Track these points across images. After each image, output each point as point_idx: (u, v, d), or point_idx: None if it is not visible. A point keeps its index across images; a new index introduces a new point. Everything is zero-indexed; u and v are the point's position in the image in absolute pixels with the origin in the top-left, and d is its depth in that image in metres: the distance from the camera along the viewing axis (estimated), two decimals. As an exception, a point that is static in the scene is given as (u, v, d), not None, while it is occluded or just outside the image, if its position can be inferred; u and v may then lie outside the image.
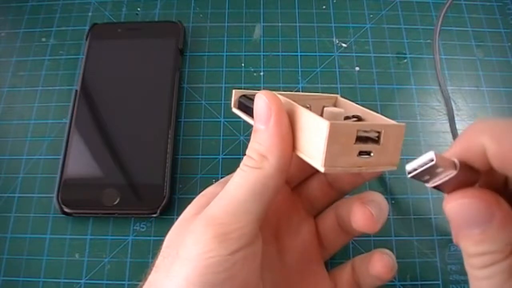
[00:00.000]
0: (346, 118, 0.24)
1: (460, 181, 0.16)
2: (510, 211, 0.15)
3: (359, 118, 0.23)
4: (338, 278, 0.26)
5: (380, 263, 0.24)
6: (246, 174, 0.20)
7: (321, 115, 0.24)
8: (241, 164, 0.21)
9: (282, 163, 0.20)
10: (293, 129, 0.20)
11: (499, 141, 0.15)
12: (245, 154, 0.21)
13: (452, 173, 0.16)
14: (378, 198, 0.23)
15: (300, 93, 0.25)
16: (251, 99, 0.23)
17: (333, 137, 0.18)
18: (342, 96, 0.25)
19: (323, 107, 0.24)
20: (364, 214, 0.22)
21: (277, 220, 0.26)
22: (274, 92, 0.21)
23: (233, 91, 0.24)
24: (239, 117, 0.24)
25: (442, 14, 0.36)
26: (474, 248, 0.16)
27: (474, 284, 0.16)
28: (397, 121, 0.21)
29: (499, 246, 0.15)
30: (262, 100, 0.20)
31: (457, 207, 0.16)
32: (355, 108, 0.24)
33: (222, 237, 0.19)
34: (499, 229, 0.15)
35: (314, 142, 0.18)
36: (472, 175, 0.16)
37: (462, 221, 0.16)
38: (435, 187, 0.17)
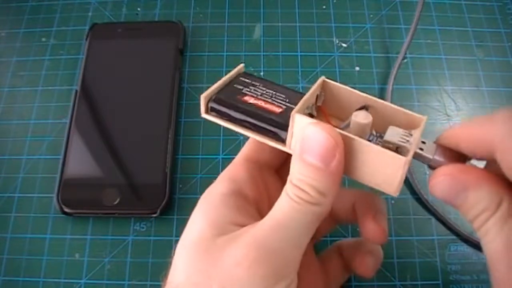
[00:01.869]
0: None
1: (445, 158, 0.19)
2: (481, 172, 0.18)
3: (366, 107, 0.22)
4: (328, 262, 0.26)
5: (362, 266, 0.25)
6: (302, 209, 0.19)
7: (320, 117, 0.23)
8: (293, 194, 0.19)
9: (334, 198, 0.19)
10: (347, 158, 0.20)
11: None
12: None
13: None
14: (382, 204, 0.24)
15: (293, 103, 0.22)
16: (232, 105, 0.21)
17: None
18: (327, 78, 0.23)
19: (316, 96, 0.22)
20: (378, 230, 0.23)
21: (259, 204, 0.25)
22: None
23: (201, 96, 0.21)
24: (213, 123, 0.21)
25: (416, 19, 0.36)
26: (469, 215, 0.18)
27: (482, 244, 0.17)
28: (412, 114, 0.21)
29: (485, 204, 0.17)
30: (325, 138, 0.18)
31: (435, 187, 0.18)
32: (352, 94, 0.22)
33: (277, 277, 0.18)
34: (476, 192, 0.17)
35: (384, 173, 0.19)
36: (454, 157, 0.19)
37: (445, 197, 0.18)
38: (429, 166, 0.20)
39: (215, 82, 0.22)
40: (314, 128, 0.19)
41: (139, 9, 0.40)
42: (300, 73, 0.37)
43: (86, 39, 0.38)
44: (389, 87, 0.35)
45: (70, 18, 0.40)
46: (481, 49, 0.38)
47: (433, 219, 0.32)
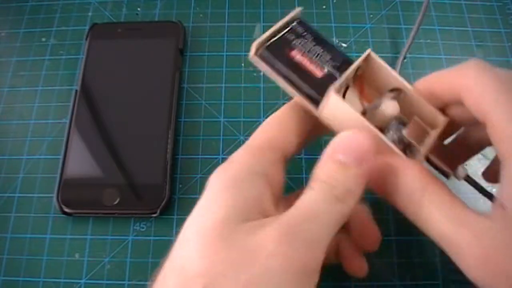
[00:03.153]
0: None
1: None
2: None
3: (398, 90, 0.23)
4: None
5: (357, 269, 0.25)
6: (332, 203, 0.19)
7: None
8: (320, 189, 0.19)
9: (356, 202, 0.19)
10: None
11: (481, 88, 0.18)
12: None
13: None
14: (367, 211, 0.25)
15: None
16: (278, 56, 0.22)
17: None
18: (372, 52, 0.23)
19: (356, 71, 0.23)
20: (376, 237, 0.24)
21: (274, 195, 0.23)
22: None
23: (253, 44, 0.22)
24: (257, 68, 0.22)
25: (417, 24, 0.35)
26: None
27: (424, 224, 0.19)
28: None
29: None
30: (366, 142, 0.19)
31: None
32: (390, 75, 0.23)
33: (310, 271, 0.17)
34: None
35: None
36: None
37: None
38: None
39: (268, 29, 0.22)
40: (358, 133, 0.19)
41: (139, 9, 0.40)
42: (300, 73, 0.37)
43: (86, 39, 0.37)
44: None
45: (70, 18, 0.40)
46: (481, 49, 0.38)
47: (433, 219, 0.32)
